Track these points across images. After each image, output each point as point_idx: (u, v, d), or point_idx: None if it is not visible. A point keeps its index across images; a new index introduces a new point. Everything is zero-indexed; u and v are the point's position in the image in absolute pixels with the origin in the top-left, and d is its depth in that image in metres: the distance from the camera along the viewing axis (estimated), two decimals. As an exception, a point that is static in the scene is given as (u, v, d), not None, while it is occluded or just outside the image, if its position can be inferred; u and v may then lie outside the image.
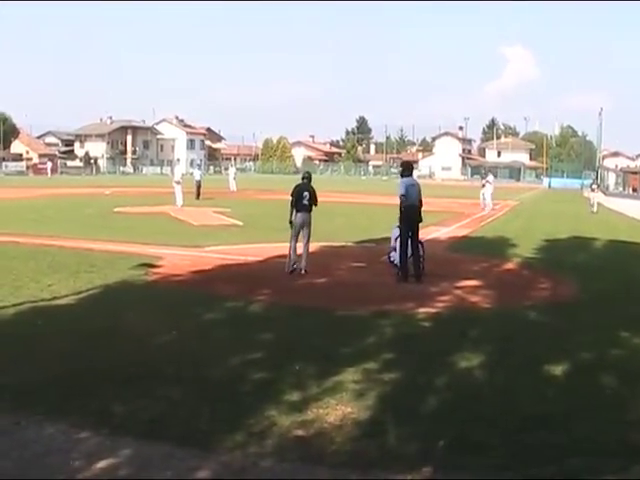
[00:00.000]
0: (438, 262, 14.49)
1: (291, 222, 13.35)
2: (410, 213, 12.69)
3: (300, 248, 13.31)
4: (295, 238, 13.33)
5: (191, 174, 45.20)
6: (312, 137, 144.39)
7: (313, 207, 13.38)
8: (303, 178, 13.64)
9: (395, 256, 13.07)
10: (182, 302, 10.03)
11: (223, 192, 43.20)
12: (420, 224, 13.14)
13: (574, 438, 5.36)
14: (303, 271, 12.97)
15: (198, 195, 35.79)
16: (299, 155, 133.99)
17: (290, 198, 13.48)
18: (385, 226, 17.08)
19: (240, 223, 23.37)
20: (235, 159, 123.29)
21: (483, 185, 37.26)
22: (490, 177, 38.59)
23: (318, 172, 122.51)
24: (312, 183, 13.63)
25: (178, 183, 30.66)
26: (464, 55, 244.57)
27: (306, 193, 13.27)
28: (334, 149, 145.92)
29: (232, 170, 50.81)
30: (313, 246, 15.09)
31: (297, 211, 13.28)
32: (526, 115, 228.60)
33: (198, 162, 50.92)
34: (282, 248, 15.83)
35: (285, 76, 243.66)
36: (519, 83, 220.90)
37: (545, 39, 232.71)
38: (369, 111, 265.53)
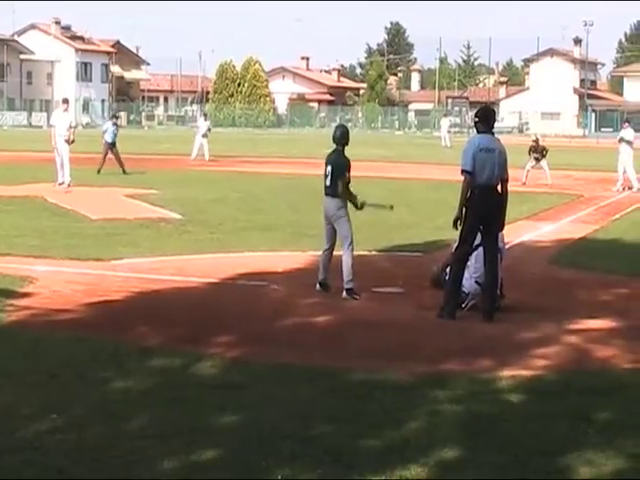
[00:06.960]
0: (536, 285, 10.58)
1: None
2: (481, 200, 8.95)
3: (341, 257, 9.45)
4: (326, 241, 9.61)
5: (90, 126, 31.76)
6: (306, 60, 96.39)
7: (339, 190, 9.32)
8: (334, 140, 9.65)
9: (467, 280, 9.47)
10: (70, 360, 6.72)
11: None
12: (500, 221, 9.50)
13: None
14: (344, 294, 9.32)
15: (121, 165, 23.99)
16: (282, 93, 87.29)
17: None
18: (440, 221, 12.54)
19: (177, 216, 16.07)
20: (167, 100, 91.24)
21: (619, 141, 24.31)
22: (627, 131, 24.28)
23: (317, 123, 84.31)
24: (345, 146, 9.52)
25: (67, 142, 19.79)
26: None
27: (328, 168, 9.49)
28: (345, 82, 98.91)
29: (202, 123, 31.37)
30: (313, 257, 10.34)
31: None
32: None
33: (115, 110, 34.48)
34: (252, 259, 11.50)
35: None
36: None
37: None
38: (408, 15, 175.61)
